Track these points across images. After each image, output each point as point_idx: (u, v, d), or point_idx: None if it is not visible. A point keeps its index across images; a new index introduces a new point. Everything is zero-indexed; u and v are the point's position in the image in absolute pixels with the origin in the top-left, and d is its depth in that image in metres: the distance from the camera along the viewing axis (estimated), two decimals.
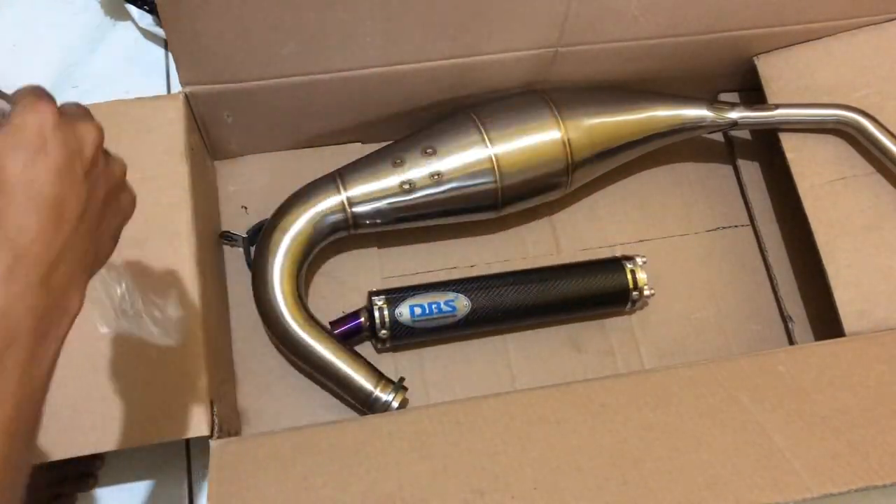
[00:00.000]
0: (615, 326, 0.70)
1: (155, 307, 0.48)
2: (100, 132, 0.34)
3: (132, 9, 0.76)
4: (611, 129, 0.67)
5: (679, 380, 0.54)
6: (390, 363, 0.66)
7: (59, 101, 0.32)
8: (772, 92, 0.69)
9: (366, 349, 0.67)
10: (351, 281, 0.69)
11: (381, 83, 0.64)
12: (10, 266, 0.29)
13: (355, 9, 0.56)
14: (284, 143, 0.72)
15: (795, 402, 0.53)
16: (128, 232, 0.55)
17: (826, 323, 0.67)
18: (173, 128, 0.58)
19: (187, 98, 0.60)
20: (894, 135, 0.63)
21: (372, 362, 0.62)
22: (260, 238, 0.64)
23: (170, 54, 0.74)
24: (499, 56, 0.64)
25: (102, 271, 0.40)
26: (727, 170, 0.78)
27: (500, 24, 0.61)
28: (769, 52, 0.70)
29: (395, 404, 0.60)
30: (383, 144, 0.68)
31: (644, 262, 0.68)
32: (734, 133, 0.78)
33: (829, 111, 0.65)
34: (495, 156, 0.64)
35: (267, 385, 0.65)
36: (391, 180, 0.64)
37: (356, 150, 0.72)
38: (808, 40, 0.69)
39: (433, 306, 0.63)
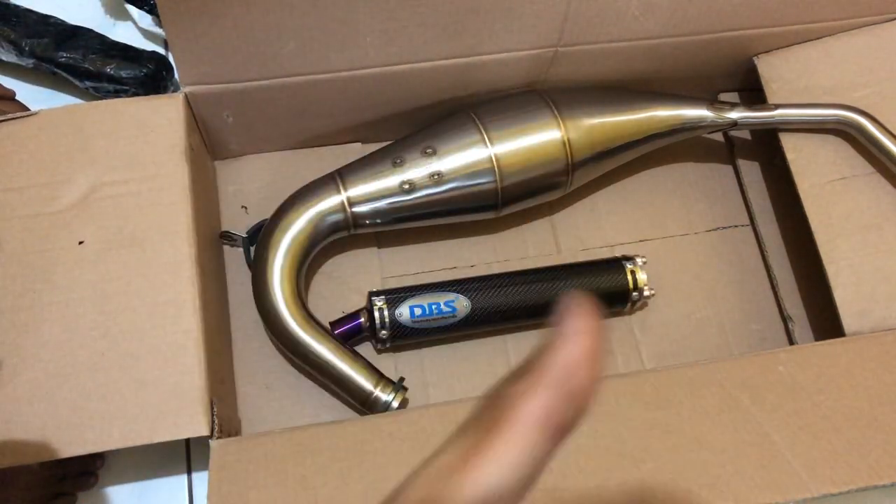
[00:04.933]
0: (615, 326, 0.70)
1: None
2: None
3: (132, 9, 0.76)
4: (611, 129, 0.67)
5: (679, 380, 0.54)
6: (390, 363, 0.66)
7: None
8: (772, 92, 0.69)
9: (366, 349, 0.67)
10: (351, 281, 0.69)
11: (381, 83, 0.64)
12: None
13: (355, 8, 0.56)
14: (284, 143, 0.72)
15: (795, 402, 0.53)
16: (128, 232, 0.55)
17: (826, 323, 0.67)
18: (173, 128, 0.58)
19: (187, 98, 0.60)
20: (894, 135, 0.63)
21: (372, 362, 0.62)
22: (260, 238, 0.64)
23: (170, 54, 0.74)
24: (499, 56, 0.64)
25: None
26: (727, 170, 0.78)
27: (500, 24, 0.61)
28: (769, 52, 0.70)
29: (395, 404, 0.60)
30: (383, 144, 0.68)
31: (644, 263, 0.68)
32: (734, 133, 0.78)
33: (829, 111, 0.65)
34: (495, 156, 0.64)
35: (267, 385, 0.65)
36: (391, 180, 0.64)
37: (356, 150, 0.72)
38: (808, 40, 0.69)
39: (433, 307, 0.63)
